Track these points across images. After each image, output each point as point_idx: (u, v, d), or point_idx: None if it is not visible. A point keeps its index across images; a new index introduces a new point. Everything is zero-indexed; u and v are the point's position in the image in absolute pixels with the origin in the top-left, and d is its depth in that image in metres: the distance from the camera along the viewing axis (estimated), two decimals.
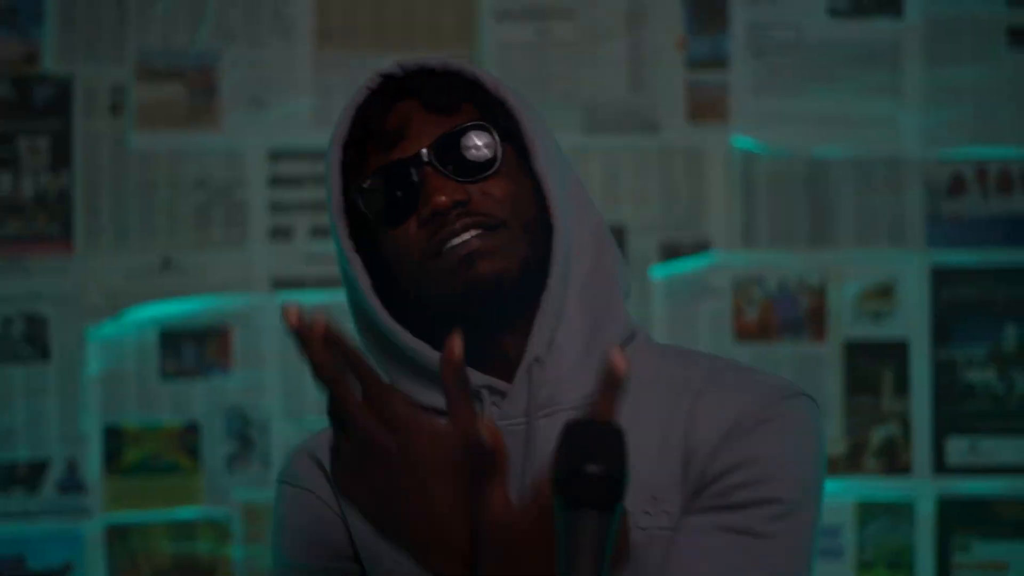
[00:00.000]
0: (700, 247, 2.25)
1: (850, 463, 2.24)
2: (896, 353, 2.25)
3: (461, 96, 1.27)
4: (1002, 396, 2.25)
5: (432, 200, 1.22)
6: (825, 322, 2.24)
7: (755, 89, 2.25)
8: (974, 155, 2.26)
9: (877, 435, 2.24)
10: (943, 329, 2.26)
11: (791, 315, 2.24)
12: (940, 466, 2.25)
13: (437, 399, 1.16)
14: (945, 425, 2.25)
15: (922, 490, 2.24)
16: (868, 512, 2.25)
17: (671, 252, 2.25)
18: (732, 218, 2.25)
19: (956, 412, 2.25)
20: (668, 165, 2.25)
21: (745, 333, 2.24)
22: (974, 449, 2.24)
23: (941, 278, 2.25)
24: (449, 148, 1.25)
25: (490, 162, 1.26)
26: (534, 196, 1.27)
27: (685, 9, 2.25)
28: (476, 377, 1.25)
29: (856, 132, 2.26)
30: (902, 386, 2.25)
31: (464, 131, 1.25)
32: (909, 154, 2.26)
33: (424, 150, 1.24)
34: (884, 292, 2.25)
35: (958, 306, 2.25)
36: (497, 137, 1.25)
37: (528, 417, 1.23)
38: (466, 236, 1.23)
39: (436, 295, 1.26)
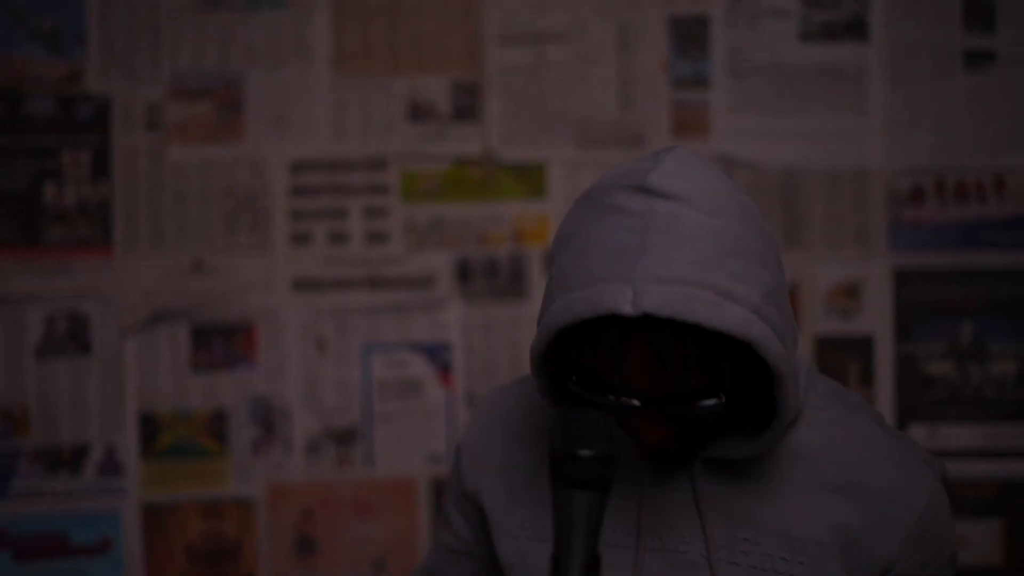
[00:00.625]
0: None
1: None
2: (862, 347, 2.45)
3: (699, 351, 1.20)
4: (959, 387, 2.46)
5: (644, 438, 1.25)
6: (798, 318, 2.44)
7: (733, 107, 2.44)
8: (933, 167, 2.47)
9: None
10: (904, 326, 2.46)
11: None
12: None
13: None
14: (907, 413, 2.46)
15: None
16: None
17: None
18: None
19: (917, 401, 2.46)
20: None
21: None
22: (934, 435, 2.44)
23: (902, 279, 2.46)
24: (669, 405, 1.23)
25: (708, 414, 1.25)
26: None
27: (669, 34, 2.41)
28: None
29: (825, 146, 2.45)
30: (867, 378, 2.45)
31: (691, 400, 1.22)
32: (873, 166, 2.46)
33: (637, 403, 1.22)
34: (851, 292, 2.45)
35: (918, 305, 2.46)
36: (723, 396, 1.22)
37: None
38: (657, 434, 1.25)
39: None
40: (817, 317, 2.45)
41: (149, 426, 2.36)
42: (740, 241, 1.21)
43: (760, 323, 1.20)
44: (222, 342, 2.37)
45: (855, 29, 2.46)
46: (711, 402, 1.21)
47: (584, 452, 1.02)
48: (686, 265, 1.19)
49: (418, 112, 2.38)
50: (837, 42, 2.46)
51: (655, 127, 2.43)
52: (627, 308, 1.17)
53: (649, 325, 1.18)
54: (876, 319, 2.46)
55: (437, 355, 2.39)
